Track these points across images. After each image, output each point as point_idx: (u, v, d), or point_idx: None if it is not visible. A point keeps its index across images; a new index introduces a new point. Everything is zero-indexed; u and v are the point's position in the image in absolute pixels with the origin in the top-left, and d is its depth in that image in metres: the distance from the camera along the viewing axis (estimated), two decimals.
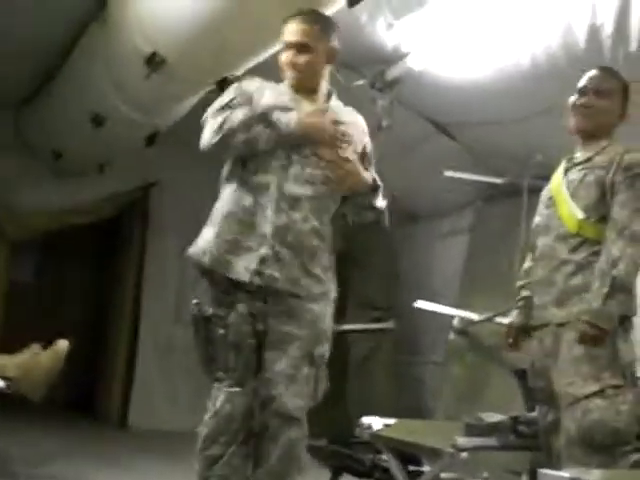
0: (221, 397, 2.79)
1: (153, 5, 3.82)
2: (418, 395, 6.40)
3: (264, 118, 2.78)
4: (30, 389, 3.84)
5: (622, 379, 2.82)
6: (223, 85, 4.07)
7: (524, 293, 3.17)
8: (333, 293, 2.90)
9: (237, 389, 2.79)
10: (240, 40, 3.54)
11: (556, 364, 2.93)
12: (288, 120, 2.78)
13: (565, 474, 1.89)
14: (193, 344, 2.89)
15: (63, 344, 3.86)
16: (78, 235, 7.79)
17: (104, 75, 4.69)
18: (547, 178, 3.28)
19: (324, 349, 2.86)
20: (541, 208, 3.16)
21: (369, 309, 6.31)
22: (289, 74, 2.88)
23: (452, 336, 5.83)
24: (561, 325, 2.92)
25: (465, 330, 5.74)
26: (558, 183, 3.07)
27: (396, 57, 4.79)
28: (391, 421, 3.78)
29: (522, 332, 3.15)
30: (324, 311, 2.85)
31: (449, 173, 5.72)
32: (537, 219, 3.17)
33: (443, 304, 5.92)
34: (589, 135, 3.03)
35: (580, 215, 2.94)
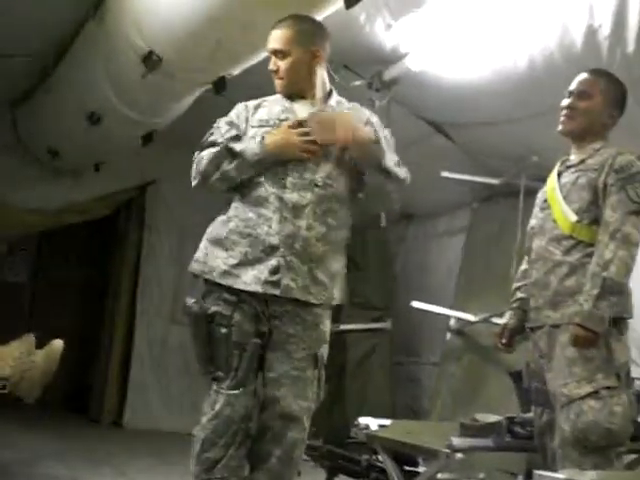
0: (221, 400, 2.77)
1: (150, 3, 3.82)
2: (414, 395, 6.41)
3: (229, 153, 2.80)
4: (25, 390, 3.83)
5: (616, 380, 2.82)
6: (219, 84, 4.08)
7: (519, 295, 3.18)
8: (336, 299, 2.88)
9: (237, 391, 2.77)
10: (237, 40, 3.54)
11: (550, 365, 2.93)
12: (253, 148, 2.78)
13: (561, 475, 1.90)
14: (190, 343, 2.87)
15: (58, 344, 3.85)
16: (74, 234, 7.78)
17: (101, 73, 4.69)
18: (543, 179, 3.29)
19: (325, 350, 2.87)
20: (536, 211, 3.17)
21: (366, 309, 6.31)
22: (274, 81, 2.89)
23: (449, 337, 5.84)
24: (555, 327, 2.92)
25: (462, 330, 5.76)
26: (552, 186, 3.08)
27: (394, 58, 4.79)
28: (387, 422, 3.78)
29: (515, 333, 3.16)
30: (325, 313, 2.86)
31: (446, 174, 5.72)
32: (532, 221, 3.18)
33: (439, 305, 5.93)
34: (578, 137, 3.04)
35: (573, 218, 2.94)
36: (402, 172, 2.95)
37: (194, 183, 2.88)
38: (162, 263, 7.32)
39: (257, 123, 2.86)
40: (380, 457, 3.68)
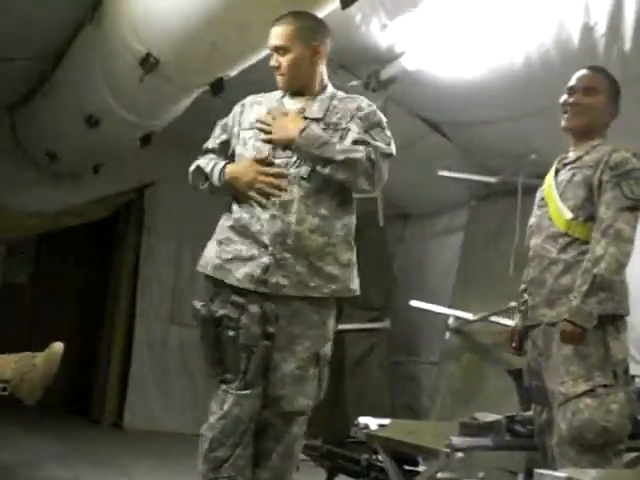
0: (229, 400, 2.78)
1: (147, 6, 3.82)
2: (414, 395, 6.41)
3: (202, 173, 2.90)
4: (26, 392, 3.83)
5: (613, 378, 2.81)
6: (217, 86, 4.08)
7: (526, 296, 3.16)
8: (353, 291, 2.88)
9: (246, 392, 2.78)
10: (233, 41, 3.54)
11: (548, 364, 2.93)
12: (215, 175, 2.86)
13: (561, 474, 1.89)
14: (198, 345, 2.88)
15: (58, 347, 3.85)
16: (73, 236, 7.78)
17: (98, 76, 4.69)
18: (541, 177, 3.29)
19: (328, 349, 2.88)
20: (535, 209, 3.17)
21: (364, 309, 6.31)
22: (276, 78, 2.90)
23: (448, 335, 5.84)
24: (551, 325, 2.92)
25: (460, 329, 5.76)
26: (549, 183, 3.08)
27: (390, 57, 4.80)
28: (387, 421, 3.78)
29: (525, 336, 3.13)
30: (327, 312, 2.87)
31: (443, 173, 5.73)
32: (531, 220, 3.18)
33: (438, 304, 5.93)
34: (580, 134, 3.03)
35: (568, 215, 2.94)
36: (359, 153, 2.76)
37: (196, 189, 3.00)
38: (161, 265, 7.32)
39: (248, 125, 2.90)
40: (380, 457, 3.68)
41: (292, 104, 2.90)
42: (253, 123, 2.88)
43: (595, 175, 2.91)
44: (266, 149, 2.83)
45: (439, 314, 5.93)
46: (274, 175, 2.78)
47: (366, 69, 4.98)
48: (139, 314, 7.24)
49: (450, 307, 5.88)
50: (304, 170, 2.79)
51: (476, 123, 5.25)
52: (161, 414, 6.98)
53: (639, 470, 3.40)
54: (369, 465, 3.81)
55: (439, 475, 3.57)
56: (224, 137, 2.95)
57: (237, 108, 2.97)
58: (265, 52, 3.37)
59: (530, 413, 3.24)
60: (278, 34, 2.86)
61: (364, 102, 2.93)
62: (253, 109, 2.93)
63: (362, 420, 3.76)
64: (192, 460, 2.91)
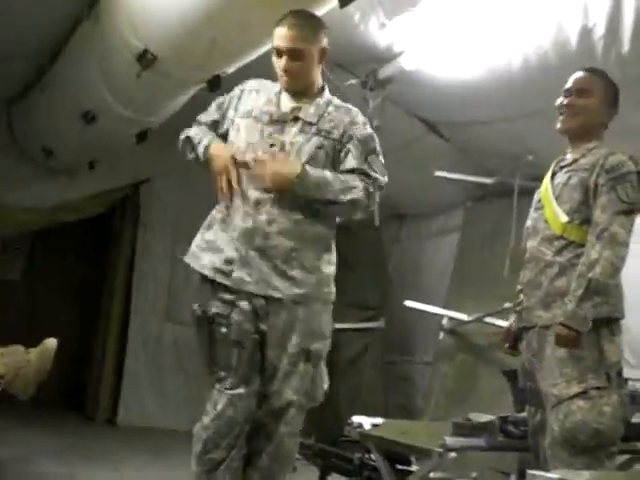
0: (223, 400, 2.79)
1: (145, 2, 3.81)
2: (408, 394, 6.41)
3: (191, 143, 2.95)
4: (19, 388, 3.83)
5: (606, 381, 2.82)
6: (214, 82, 4.08)
7: (522, 297, 3.16)
8: (326, 294, 2.89)
9: (240, 391, 2.79)
10: (232, 38, 3.53)
11: (541, 365, 2.94)
12: (200, 150, 2.91)
13: (554, 475, 1.90)
14: (196, 346, 2.90)
15: (52, 343, 3.86)
16: (68, 232, 7.76)
17: (95, 72, 4.67)
18: (538, 179, 3.29)
19: (321, 346, 2.86)
20: (531, 211, 3.17)
21: (359, 309, 6.31)
22: (283, 79, 2.88)
23: (442, 336, 5.85)
24: (546, 327, 2.92)
25: (455, 330, 5.77)
26: (546, 186, 3.08)
27: (388, 56, 4.80)
28: (380, 421, 3.79)
29: (520, 336, 3.14)
30: (320, 308, 2.85)
31: (440, 173, 5.73)
32: (528, 222, 3.19)
33: (433, 304, 5.94)
34: (575, 135, 3.04)
35: (564, 218, 2.94)
36: (359, 192, 2.79)
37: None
38: (157, 261, 7.31)
39: (243, 113, 2.92)
40: (373, 456, 3.68)
41: (288, 102, 2.90)
42: (249, 111, 2.90)
43: (591, 178, 2.91)
44: (259, 141, 2.85)
45: (434, 314, 5.93)
46: (233, 182, 2.80)
47: (364, 68, 4.97)
48: (134, 310, 7.23)
49: (445, 308, 5.88)
50: None
51: (473, 124, 5.25)
52: (155, 411, 6.97)
53: (631, 473, 3.41)
54: (362, 464, 3.81)
55: (432, 475, 3.58)
56: (216, 116, 2.99)
57: (236, 91, 3.00)
58: (264, 49, 3.36)
59: (524, 414, 3.24)
60: (294, 37, 2.81)
61: (359, 116, 2.93)
62: (251, 96, 2.94)
63: (355, 419, 3.76)
64: (186, 457, 2.90)
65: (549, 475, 1.93)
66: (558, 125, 3.07)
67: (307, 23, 2.85)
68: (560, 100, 3.07)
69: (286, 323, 2.80)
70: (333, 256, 2.92)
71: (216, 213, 2.92)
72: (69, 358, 6.81)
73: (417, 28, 4.46)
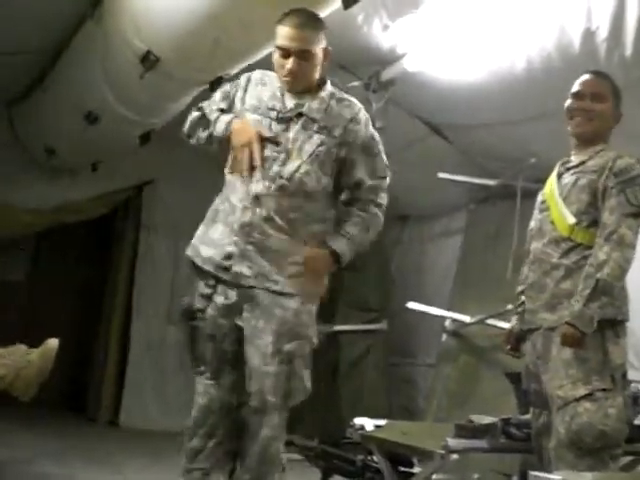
0: (200, 390, 2.88)
1: (148, 3, 3.81)
2: (410, 396, 6.41)
3: (205, 120, 2.92)
4: (21, 388, 3.83)
5: (611, 382, 2.82)
6: (216, 84, 4.08)
7: (523, 298, 3.15)
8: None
9: (212, 382, 2.86)
10: (236, 38, 3.53)
11: (547, 367, 2.93)
12: (221, 127, 2.87)
13: (556, 477, 1.89)
14: (184, 342, 2.95)
15: (53, 343, 3.85)
16: (71, 233, 7.77)
17: (98, 73, 4.68)
18: (541, 181, 3.28)
19: (296, 346, 2.80)
20: (535, 212, 3.17)
21: (361, 310, 6.31)
22: (285, 80, 2.86)
23: (444, 338, 5.84)
24: (551, 329, 2.92)
25: (457, 332, 5.76)
26: (551, 187, 3.08)
27: (391, 58, 4.80)
28: (382, 422, 3.78)
29: (521, 338, 3.14)
30: (299, 308, 2.82)
31: (443, 175, 5.72)
32: (532, 223, 3.18)
33: (435, 306, 5.93)
34: (587, 139, 3.03)
35: (571, 220, 2.94)
36: (377, 227, 2.97)
37: (186, 140, 3.03)
38: (159, 263, 7.31)
39: (250, 107, 2.90)
40: (375, 457, 3.68)
41: (291, 98, 2.88)
42: (255, 106, 2.88)
43: (599, 180, 2.91)
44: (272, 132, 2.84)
45: (436, 316, 5.93)
46: (257, 156, 2.78)
47: (367, 70, 4.98)
48: (136, 312, 7.23)
49: (447, 309, 5.87)
50: (287, 171, 2.80)
51: (476, 126, 5.25)
52: (157, 413, 6.97)
53: (634, 474, 3.41)
54: (364, 466, 3.81)
55: (434, 476, 3.57)
56: (222, 105, 2.95)
57: (243, 81, 2.96)
58: (267, 50, 3.36)
59: (527, 416, 3.24)
60: (303, 38, 2.79)
61: (360, 113, 2.93)
62: (257, 89, 2.92)
63: (358, 421, 3.75)
64: None
65: (551, 477, 1.93)
66: (571, 128, 3.06)
67: (313, 23, 2.84)
68: (571, 103, 3.06)
69: (261, 321, 2.78)
70: None
71: (216, 205, 2.92)
72: (70, 359, 6.81)
73: (420, 30, 4.46)
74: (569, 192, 2.99)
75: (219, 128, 2.87)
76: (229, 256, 2.80)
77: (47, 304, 7.91)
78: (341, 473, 3.98)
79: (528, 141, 5.01)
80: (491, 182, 5.68)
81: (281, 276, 2.80)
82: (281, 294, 2.80)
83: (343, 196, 2.97)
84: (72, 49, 5.03)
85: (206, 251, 2.86)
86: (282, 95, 2.88)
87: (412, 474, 3.58)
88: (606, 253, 2.80)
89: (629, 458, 3.48)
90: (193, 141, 2.98)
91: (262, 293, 2.79)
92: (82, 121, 5.17)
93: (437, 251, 6.58)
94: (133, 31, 3.95)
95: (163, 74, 4.07)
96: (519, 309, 3.16)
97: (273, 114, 2.86)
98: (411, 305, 6.00)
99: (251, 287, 2.79)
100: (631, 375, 3.05)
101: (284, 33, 2.81)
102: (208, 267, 2.83)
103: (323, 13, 3.14)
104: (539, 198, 3.17)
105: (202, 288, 2.86)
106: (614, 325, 2.85)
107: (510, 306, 3.89)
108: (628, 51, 3.80)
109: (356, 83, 4.90)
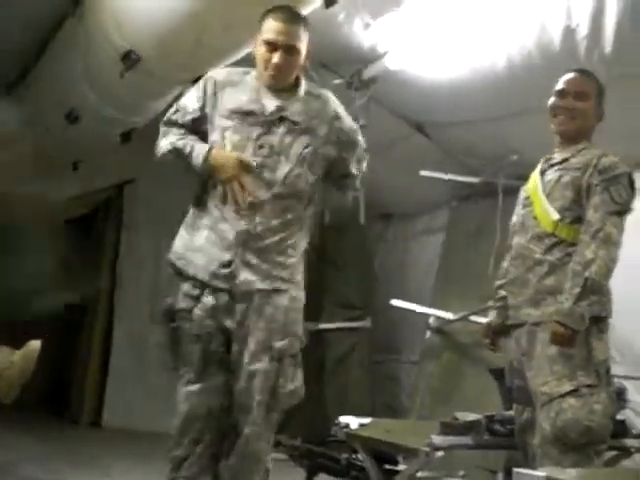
0: (181, 397, 2.82)
1: (129, 1, 3.79)
2: (394, 394, 6.42)
3: (180, 153, 2.83)
4: (3, 389, 3.81)
5: (596, 378, 2.84)
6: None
7: (502, 293, 3.18)
8: (298, 290, 2.90)
9: (195, 387, 2.79)
10: (217, 37, 3.52)
11: (531, 364, 2.95)
12: (198, 161, 2.79)
13: (540, 473, 1.90)
14: (164, 343, 2.91)
15: (35, 345, 3.84)
16: (51, 232, 7.72)
17: (80, 71, 4.65)
18: (522, 178, 3.29)
19: (287, 344, 2.81)
20: (518, 208, 3.18)
21: (345, 308, 6.31)
22: (268, 74, 2.83)
23: (428, 335, 5.86)
24: (536, 325, 2.94)
25: (441, 329, 5.78)
26: (535, 183, 3.09)
27: (373, 56, 4.80)
28: (367, 420, 3.78)
29: (499, 332, 3.16)
30: (289, 305, 2.83)
31: (425, 172, 5.74)
32: (514, 219, 3.19)
33: (419, 303, 5.95)
34: (570, 137, 3.05)
35: (555, 216, 2.96)
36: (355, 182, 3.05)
37: (157, 158, 2.93)
38: (140, 262, 7.28)
39: (225, 112, 2.83)
40: (360, 456, 3.68)
41: (270, 99, 2.84)
42: (231, 111, 2.82)
43: (584, 178, 2.93)
44: (247, 143, 2.79)
45: (420, 313, 5.94)
46: (247, 186, 2.74)
47: (349, 68, 4.98)
48: (118, 312, 7.20)
49: (430, 306, 5.89)
50: (278, 177, 2.79)
51: (458, 123, 5.27)
52: (140, 413, 6.94)
53: (617, 469, 3.43)
54: (349, 464, 3.80)
55: (419, 474, 3.57)
56: (197, 114, 2.87)
57: (209, 87, 2.87)
58: (248, 49, 3.34)
59: (510, 412, 3.25)
60: (293, 34, 2.79)
61: (337, 106, 2.95)
62: (229, 92, 2.86)
63: (342, 419, 3.75)
64: None
65: (536, 473, 1.93)
66: (554, 126, 3.07)
67: (299, 20, 2.85)
68: (554, 101, 3.07)
69: (252, 320, 2.78)
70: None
71: (200, 210, 2.87)
72: (53, 361, 6.77)
73: (401, 28, 4.46)
74: (552, 189, 3.01)
75: (197, 162, 2.79)
76: (228, 264, 2.76)
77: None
78: (326, 471, 3.97)
79: (509, 138, 5.03)
80: (473, 180, 5.70)
81: (281, 270, 2.81)
82: (272, 291, 2.79)
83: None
84: (54, 47, 5.00)
85: (195, 258, 2.81)
86: (259, 96, 2.84)
87: (397, 472, 3.58)
88: (593, 252, 2.82)
89: (613, 453, 3.50)
90: (172, 165, 2.91)
91: (255, 292, 2.78)
92: (63, 120, 5.13)
93: (420, 249, 6.59)
94: (114, 29, 3.93)
95: (144, 72, 4.05)
96: (497, 304, 3.18)
97: (251, 119, 2.81)
98: (395, 302, 6.01)
99: (250, 290, 2.78)
100: (613, 370, 3.06)
101: (272, 27, 2.79)
102: (202, 275, 2.78)
103: (305, 11, 3.14)
104: (522, 194, 3.18)
105: (188, 289, 2.82)
106: (598, 321, 2.87)
107: (492, 302, 3.90)
108: (608, 48, 3.83)
109: (338, 81, 4.90)
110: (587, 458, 2.78)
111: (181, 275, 2.84)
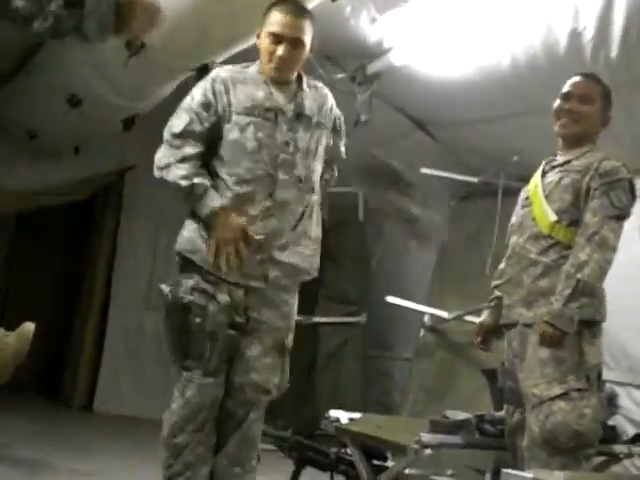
0: (191, 388, 2.80)
1: None
2: (386, 390, 6.42)
3: (190, 193, 2.77)
4: None
5: (587, 382, 2.84)
6: (203, 71, 4.05)
7: (497, 293, 3.18)
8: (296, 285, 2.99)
9: (209, 380, 2.80)
10: (221, 27, 3.51)
11: (522, 365, 2.95)
12: (205, 212, 2.75)
13: (528, 475, 1.90)
14: (162, 330, 2.89)
15: (29, 326, 3.82)
16: (51, 217, 7.70)
17: (83, 56, 4.64)
18: (523, 179, 3.29)
19: (291, 339, 2.93)
20: (517, 208, 3.18)
21: (340, 303, 6.31)
22: (273, 67, 2.83)
23: (422, 333, 5.86)
24: (528, 326, 2.94)
25: (435, 327, 5.78)
26: (535, 184, 3.09)
27: (378, 52, 4.78)
28: (357, 415, 3.78)
29: (492, 332, 3.17)
30: (293, 301, 2.93)
31: (425, 170, 5.73)
32: (513, 219, 3.19)
33: (415, 301, 5.95)
34: (574, 140, 3.05)
35: (553, 217, 2.95)
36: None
37: (158, 174, 2.86)
38: (138, 249, 7.27)
39: (242, 110, 2.81)
40: (349, 450, 3.68)
41: (279, 95, 2.86)
42: (249, 108, 2.81)
43: (584, 180, 2.93)
44: (271, 140, 2.79)
45: (415, 311, 5.94)
46: (241, 256, 2.73)
47: (353, 62, 4.96)
48: (114, 297, 7.19)
49: (427, 305, 5.89)
50: (302, 174, 2.83)
51: (460, 122, 5.26)
52: (132, 398, 6.94)
53: (606, 474, 3.43)
54: (338, 458, 3.80)
55: (407, 471, 3.57)
56: (213, 119, 2.82)
57: (218, 86, 2.83)
58: (253, 39, 3.33)
59: (501, 413, 3.25)
60: (298, 27, 2.79)
61: (330, 95, 3.02)
62: (241, 89, 2.84)
63: (333, 413, 3.75)
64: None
65: (524, 474, 1.93)
66: (558, 129, 3.08)
67: (305, 13, 2.86)
68: (559, 104, 3.07)
69: (268, 317, 2.83)
70: None
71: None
72: (48, 344, 6.76)
73: (408, 24, 4.45)
74: (552, 190, 3.01)
75: (204, 212, 2.76)
76: (260, 263, 2.78)
77: (25, 287, 7.85)
78: (314, 465, 3.97)
79: (511, 139, 5.02)
80: (473, 179, 5.69)
81: (305, 262, 2.90)
82: (283, 288, 2.86)
83: None
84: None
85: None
86: (270, 92, 2.85)
87: (385, 468, 3.58)
88: (587, 254, 2.82)
89: (602, 458, 3.51)
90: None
91: (270, 289, 2.82)
92: (65, 104, 5.12)
93: (418, 247, 6.58)
94: None
95: (148, 59, 4.03)
96: (492, 303, 3.19)
97: (270, 114, 2.81)
98: (390, 299, 6.01)
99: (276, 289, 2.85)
100: (605, 375, 3.06)
101: (278, 20, 2.79)
102: (236, 279, 2.77)
103: (311, 4, 3.13)
104: (522, 194, 3.19)
105: (199, 282, 2.79)
106: (591, 325, 2.87)
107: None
108: (614, 52, 3.81)
109: (341, 75, 4.88)
110: (575, 462, 2.79)
111: (192, 265, 2.82)
